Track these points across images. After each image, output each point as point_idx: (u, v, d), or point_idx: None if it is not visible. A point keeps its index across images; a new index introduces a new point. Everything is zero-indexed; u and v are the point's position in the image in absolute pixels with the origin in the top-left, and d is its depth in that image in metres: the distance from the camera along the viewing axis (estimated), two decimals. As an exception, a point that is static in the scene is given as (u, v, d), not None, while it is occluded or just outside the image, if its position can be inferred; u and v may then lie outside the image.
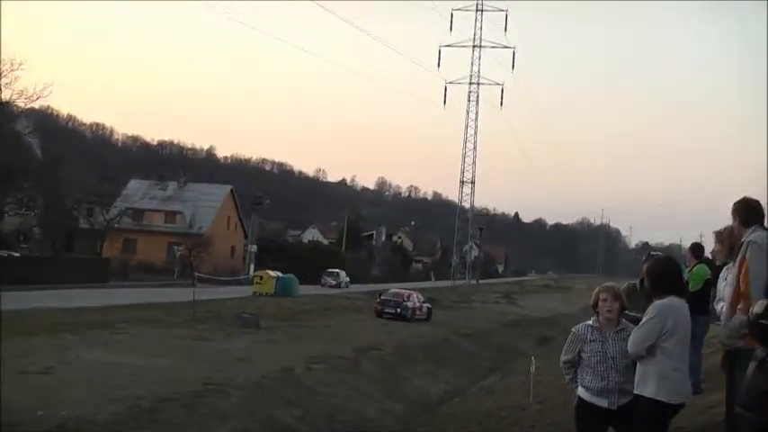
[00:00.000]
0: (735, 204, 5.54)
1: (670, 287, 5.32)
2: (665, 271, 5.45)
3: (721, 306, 5.87)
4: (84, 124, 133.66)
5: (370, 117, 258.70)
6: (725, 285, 6.11)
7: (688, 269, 9.16)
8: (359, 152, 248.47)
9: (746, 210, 5.46)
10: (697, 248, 9.85)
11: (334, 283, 54.23)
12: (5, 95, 42.21)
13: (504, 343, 30.56)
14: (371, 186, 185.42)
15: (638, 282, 5.74)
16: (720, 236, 6.54)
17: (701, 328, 7.95)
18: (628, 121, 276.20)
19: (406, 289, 37.37)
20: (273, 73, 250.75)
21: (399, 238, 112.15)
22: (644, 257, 6.71)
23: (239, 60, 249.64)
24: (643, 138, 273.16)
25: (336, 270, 57.88)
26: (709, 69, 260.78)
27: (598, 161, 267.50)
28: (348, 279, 57.72)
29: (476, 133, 78.65)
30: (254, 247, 57.32)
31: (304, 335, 22.47)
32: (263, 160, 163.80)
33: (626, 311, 5.75)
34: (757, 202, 5.55)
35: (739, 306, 4.71)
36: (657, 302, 5.27)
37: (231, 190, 71.50)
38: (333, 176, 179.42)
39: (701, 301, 6.94)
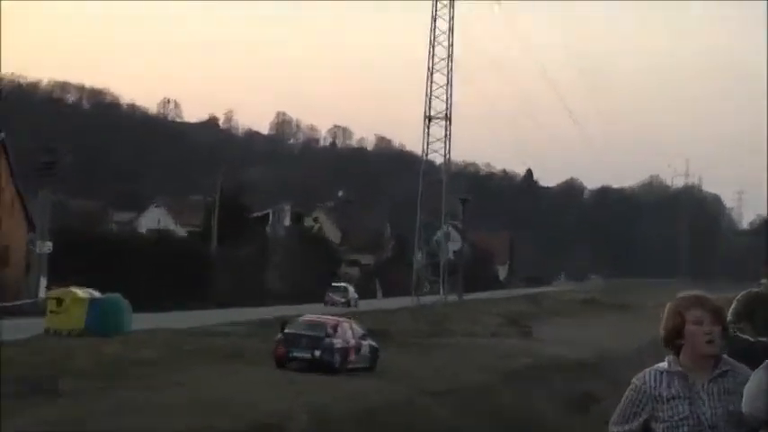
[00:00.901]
0: None
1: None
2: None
3: None
4: None
5: (259, 9, 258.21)
6: None
7: None
8: (239, 70, 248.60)
9: None
10: None
11: (343, 300, 70.89)
12: None
13: (511, 408, 30.82)
14: (264, 130, 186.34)
15: None
16: None
17: None
18: (716, 21, 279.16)
19: (330, 315, 37.20)
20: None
21: (316, 220, 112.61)
22: None
23: None
24: (748, 46, 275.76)
25: (344, 284, 77.40)
26: None
27: (671, 84, 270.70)
28: (357, 296, 75.57)
29: (451, 31, 79.20)
30: (46, 246, 57.09)
31: (139, 405, 22.42)
32: (63, 85, 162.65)
33: (735, 333, 5.60)
34: None
35: None
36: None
37: (1, 141, 70.65)
38: (192, 114, 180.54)
39: None
